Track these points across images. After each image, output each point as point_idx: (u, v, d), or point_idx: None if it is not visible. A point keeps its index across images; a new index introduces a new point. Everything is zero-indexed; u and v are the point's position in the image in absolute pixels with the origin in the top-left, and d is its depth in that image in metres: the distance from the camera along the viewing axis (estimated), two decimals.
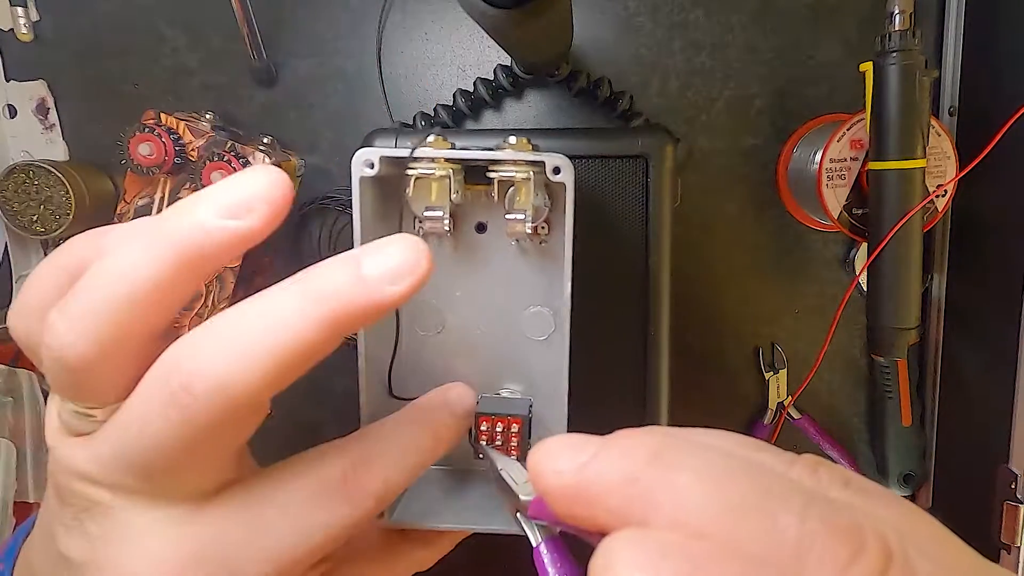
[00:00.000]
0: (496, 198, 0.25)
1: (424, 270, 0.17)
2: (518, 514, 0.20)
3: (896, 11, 0.38)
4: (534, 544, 0.19)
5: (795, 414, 0.49)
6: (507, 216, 0.24)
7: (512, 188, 0.25)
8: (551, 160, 0.23)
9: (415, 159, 0.23)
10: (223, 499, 0.18)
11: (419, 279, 0.16)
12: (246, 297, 0.17)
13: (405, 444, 0.21)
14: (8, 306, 0.48)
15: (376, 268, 0.16)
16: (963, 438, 0.46)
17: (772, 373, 0.48)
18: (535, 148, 0.24)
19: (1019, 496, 0.40)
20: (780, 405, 0.49)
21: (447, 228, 0.25)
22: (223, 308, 0.37)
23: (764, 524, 0.13)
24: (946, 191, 0.41)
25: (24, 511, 0.46)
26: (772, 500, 0.13)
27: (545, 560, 0.18)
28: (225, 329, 0.16)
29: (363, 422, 0.25)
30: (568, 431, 0.24)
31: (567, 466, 0.15)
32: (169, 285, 0.17)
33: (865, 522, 0.13)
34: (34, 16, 0.46)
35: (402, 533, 0.25)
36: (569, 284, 0.24)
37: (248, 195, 0.17)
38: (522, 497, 0.20)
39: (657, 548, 0.13)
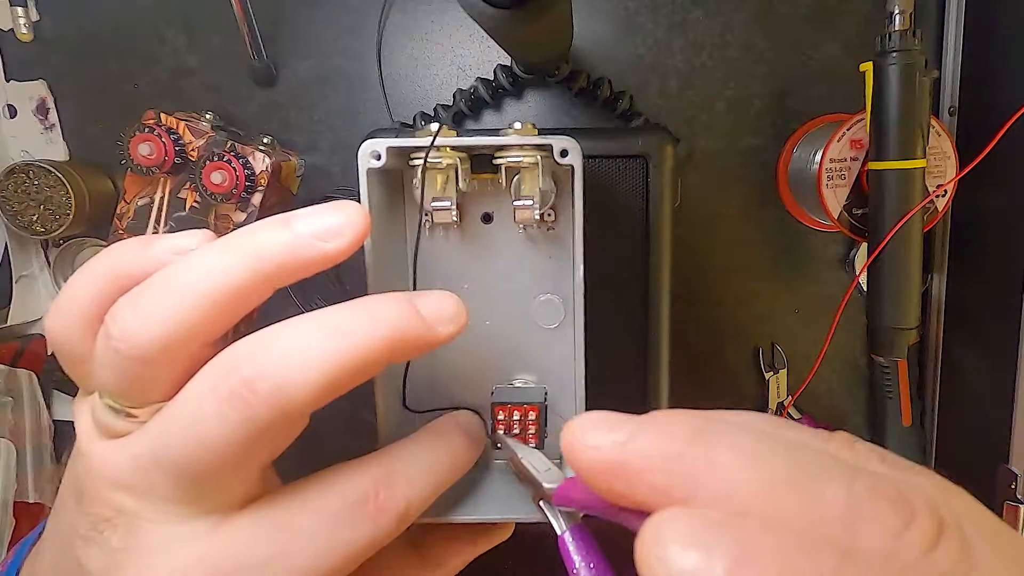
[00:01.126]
0: (504, 184, 0.25)
1: (465, 320, 0.19)
2: (541, 502, 0.20)
3: (896, 11, 0.38)
4: (559, 532, 0.19)
5: (795, 414, 0.49)
6: (515, 203, 0.24)
7: (518, 175, 0.25)
8: (558, 143, 0.23)
9: (420, 149, 0.23)
10: (247, 514, 0.18)
11: (462, 326, 0.19)
12: None
13: (425, 465, 0.21)
14: (8, 306, 0.48)
15: (433, 311, 0.18)
16: (963, 438, 0.46)
17: (772, 373, 0.48)
18: (540, 133, 0.24)
19: (1019, 496, 0.40)
20: (780, 405, 0.49)
21: (455, 218, 0.25)
22: None
23: (811, 498, 0.13)
24: (946, 191, 0.41)
25: (24, 511, 0.46)
26: (816, 474, 0.13)
27: (570, 547, 0.18)
28: (290, 336, 0.17)
29: (380, 432, 0.25)
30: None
31: (605, 441, 0.15)
32: (246, 291, 0.17)
33: (912, 492, 0.13)
34: (34, 16, 0.46)
35: (421, 547, 0.25)
36: (581, 268, 0.23)
37: (339, 222, 0.18)
38: (546, 484, 0.20)
39: (706, 527, 0.12)
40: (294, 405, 0.16)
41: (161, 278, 0.18)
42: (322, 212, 0.18)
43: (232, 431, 0.16)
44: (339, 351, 0.17)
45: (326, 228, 0.18)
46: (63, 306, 0.19)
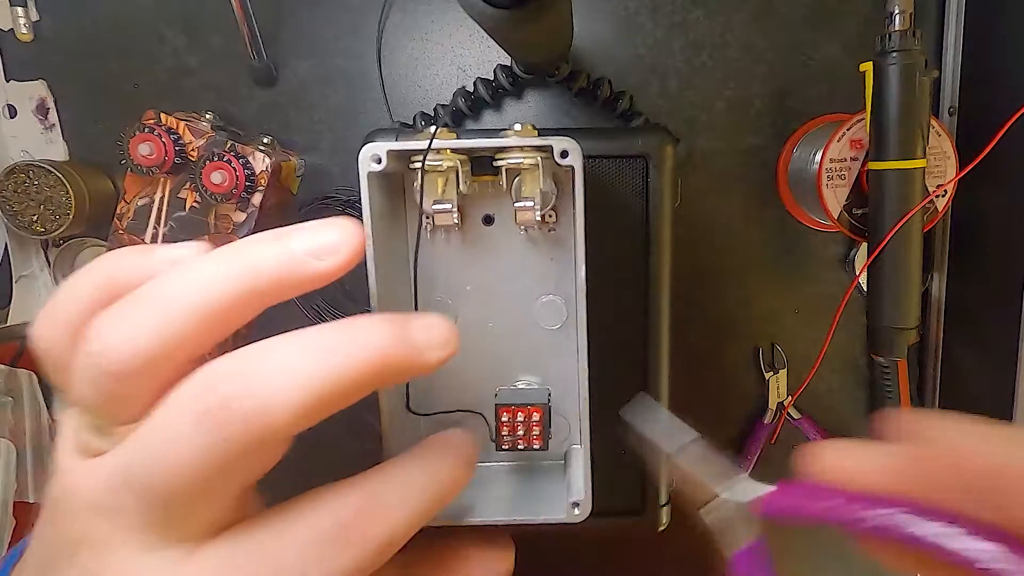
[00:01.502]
0: (505, 186, 0.25)
1: (457, 345, 0.18)
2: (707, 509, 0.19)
3: (896, 11, 0.38)
4: (737, 549, 0.17)
5: (795, 414, 0.49)
6: (516, 204, 0.24)
7: (518, 177, 0.25)
8: (559, 144, 0.23)
9: (420, 151, 0.23)
10: (220, 543, 0.17)
11: (453, 352, 0.18)
12: None
13: (413, 491, 0.19)
14: (8, 306, 0.48)
15: (423, 336, 0.18)
16: None
17: (772, 373, 0.48)
18: (540, 134, 0.24)
19: None
20: (780, 405, 0.49)
21: (456, 221, 0.25)
22: None
23: None
24: (946, 191, 0.41)
25: (24, 511, 0.46)
26: None
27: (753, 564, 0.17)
28: (271, 355, 0.16)
29: (384, 435, 0.25)
30: (588, 418, 0.24)
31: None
32: (236, 307, 0.17)
33: None
34: (34, 16, 0.46)
35: (410, 571, 0.24)
36: (583, 268, 0.23)
37: (334, 240, 0.17)
38: (740, 497, 0.18)
39: None
40: (271, 428, 0.16)
41: (147, 290, 0.17)
42: (317, 229, 0.18)
43: (205, 454, 0.16)
44: (322, 372, 0.16)
45: (321, 245, 0.17)
46: (51, 312, 0.18)
